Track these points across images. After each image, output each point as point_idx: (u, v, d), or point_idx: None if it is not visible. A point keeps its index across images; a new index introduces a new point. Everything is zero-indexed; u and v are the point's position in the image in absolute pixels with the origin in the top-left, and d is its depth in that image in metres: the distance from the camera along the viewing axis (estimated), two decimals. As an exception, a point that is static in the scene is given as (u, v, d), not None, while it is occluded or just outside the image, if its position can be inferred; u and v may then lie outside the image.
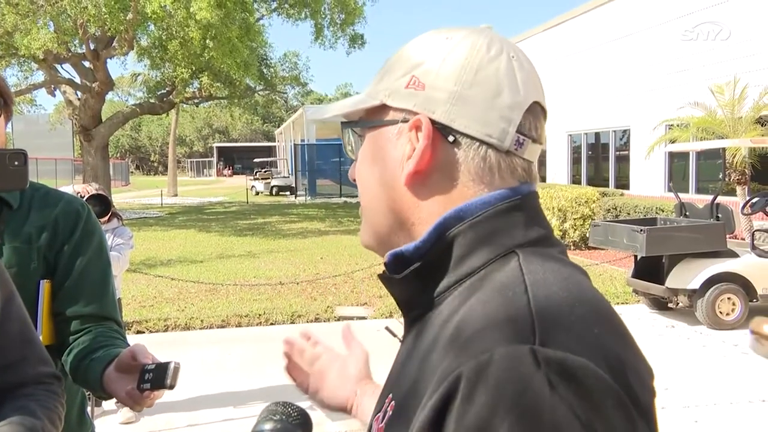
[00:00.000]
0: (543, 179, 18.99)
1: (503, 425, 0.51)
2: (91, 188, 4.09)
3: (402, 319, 0.75)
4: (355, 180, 0.79)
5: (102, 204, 4.13)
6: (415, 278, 0.69)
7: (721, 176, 8.69)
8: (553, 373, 0.52)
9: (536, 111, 0.71)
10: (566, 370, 0.53)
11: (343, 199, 26.42)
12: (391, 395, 0.69)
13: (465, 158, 0.68)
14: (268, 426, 0.82)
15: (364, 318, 7.25)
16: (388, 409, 0.68)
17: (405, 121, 0.70)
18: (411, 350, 0.70)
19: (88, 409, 1.55)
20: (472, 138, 0.68)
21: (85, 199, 3.82)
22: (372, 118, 0.74)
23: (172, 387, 1.19)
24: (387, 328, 0.93)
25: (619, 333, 0.60)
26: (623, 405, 0.54)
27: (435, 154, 0.69)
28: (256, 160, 43.43)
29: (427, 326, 0.67)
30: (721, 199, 7.46)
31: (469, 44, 0.70)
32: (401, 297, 0.73)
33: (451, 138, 0.68)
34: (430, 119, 0.68)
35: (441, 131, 0.68)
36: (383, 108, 0.73)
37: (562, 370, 0.53)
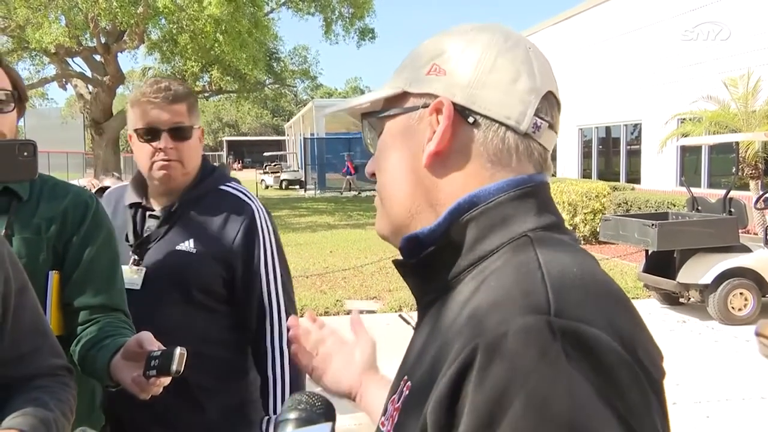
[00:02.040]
0: (553, 173, 18.90)
1: (520, 393, 0.52)
2: (96, 182, 4.08)
3: (414, 311, 0.76)
4: (372, 175, 0.80)
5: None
6: (429, 262, 0.71)
7: (734, 170, 8.62)
8: (569, 343, 0.54)
9: (551, 100, 0.73)
10: (581, 341, 0.54)
11: (353, 192, 26.44)
12: (406, 377, 0.70)
13: (484, 139, 0.70)
14: (293, 415, 0.84)
15: (373, 311, 7.25)
16: (404, 389, 0.69)
17: (425, 106, 0.72)
18: (425, 335, 0.71)
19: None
20: (492, 120, 0.70)
21: (94, 191, 3.84)
22: (394, 105, 0.76)
23: (178, 373, 1.20)
24: (401, 316, 0.94)
25: (630, 313, 0.62)
26: (637, 377, 0.55)
27: (455, 135, 0.71)
28: (265, 153, 43.54)
29: (441, 311, 0.68)
30: (733, 193, 7.40)
31: (488, 35, 0.73)
32: (415, 282, 0.75)
33: (471, 119, 0.70)
34: (451, 102, 0.70)
35: (461, 113, 0.71)
36: (404, 96, 0.74)
37: (578, 340, 0.54)
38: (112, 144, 19.60)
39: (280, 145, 59.67)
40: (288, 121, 57.72)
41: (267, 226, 1.75)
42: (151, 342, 1.25)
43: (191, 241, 1.69)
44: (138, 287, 1.65)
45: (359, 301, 7.70)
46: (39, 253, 1.37)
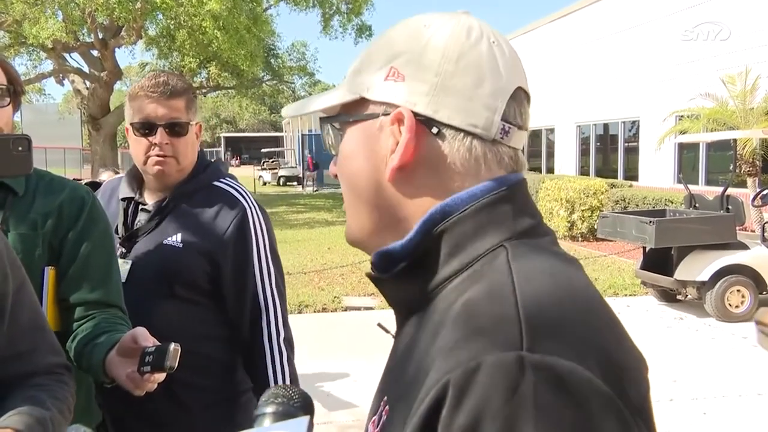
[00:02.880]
0: (551, 170, 18.93)
1: None
2: (105, 174, 4.04)
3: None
4: (336, 176, 0.76)
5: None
6: (403, 277, 0.68)
7: (731, 168, 8.63)
8: (541, 379, 0.52)
9: (520, 96, 0.69)
10: (555, 376, 0.52)
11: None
12: (386, 398, 0.68)
13: (450, 150, 0.66)
14: (270, 409, 0.82)
15: (371, 308, 7.25)
16: (383, 413, 0.67)
17: (386, 114, 0.68)
18: (403, 350, 0.69)
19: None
20: (457, 129, 0.66)
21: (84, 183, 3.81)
22: (351, 112, 0.72)
23: (171, 369, 1.20)
24: (379, 325, 0.93)
25: (609, 328, 0.59)
26: (615, 409, 0.53)
27: (419, 147, 0.67)
28: (263, 150, 43.48)
29: (419, 327, 0.66)
30: (731, 190, 7.41)
31: (448, 31, 0.68)
32: (390, 296, 0.72)
33: (434, 130, 0.66)
34: (413, 112, 0.66)
35: (424, 123, 0.66)
36: (362, 102, 0.70)
37: (551, 376, 0.52)
38: (110, 140, 19.55)
39: (278, 142, 59.63)
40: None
41: (259, 224, 1.74)
42: (145, 338, 1.25)
43: (179, 235, 1.69)
44: (122, 280, 1.64)
45: (357, 297, 7.70)
46: (35, 248, 1.36)
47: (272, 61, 24.70)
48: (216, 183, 1.78)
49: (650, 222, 6.56)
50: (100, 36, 17.98)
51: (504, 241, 0.64)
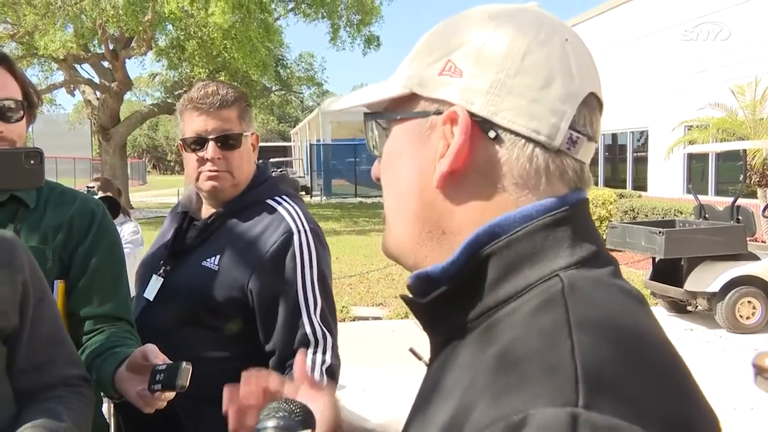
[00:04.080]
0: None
1: None
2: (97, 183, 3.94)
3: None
4: (377, 179, 0.69)
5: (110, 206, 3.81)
6: (442, 303, 0.60)
7: (741, 178, 8.57)
8: None
9: (592, 103, 0.61)
10: None
11: (359, 199, 26.44)
12: None
13: (508, 158, 0.59)
14: (271, 423, 0.82)
15: (379, 318, 7.24)
16: None
17: (438, 113, 0.61)
18: (438, 383, 0.61)
19: (104, 407, 1.55)
20: (517, 134, 0.58)
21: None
22: (399, 108, 0.65)
23: (183, 388, 1.19)
24: (411, 350, 0.86)
25: (680, 383, 0.52)
26: None
27: (473, 152, 0.59)
28: (271, 159, 43.64)
29: (457, 358, 0.59)
30: (741, 201, 7.36)
31: (516, 25, 0.60)
32: (427, 322, 0.64)
33: (492, 134, 0.59)
34: (469, 112, 0.59)
35: (480, 125, 0.59)
36: (413, 97, 0.63)
37: None
38: (120, 150, 19.70)
39: (286, 151, 59.80)
40: (294, 127, 57.87)
41: (308, 249, 1.56)
42: (156, 355, 1.23)
43: (217, 257, 1.57)
44: (150, 298, 1.60)
45: (365, 307, 7.69)
46: (45, 261, 1.36)
47: (281, 71, 24.84)
48: (269, 200, 1.64)
49: (660, 232, 6.52)
50: (111, 47, 18.16)
51: (559, 270, 0.56)
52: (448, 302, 0.60)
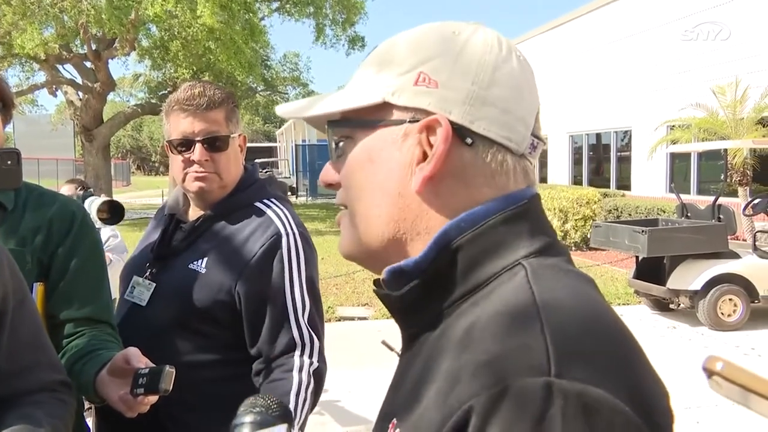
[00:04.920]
0: (544, 180, 18.97)
1: None
2: (65, 188, 3.78)
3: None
4: (328, 185, 0.72)
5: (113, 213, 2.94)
6: (415, 295, 0.64)
7: (722, 177, 8.68)
8: (570, 407, 0.49)
9: (539, 112, 0.69)
10: (584, 405, 0.50)
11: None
12: (395, 420, 0.63)
13: (482, 162, 0.64)
14: (248, 419, 0.82)
15: (365, 318, 7.24)
16: None
17: (414, 121, 0.64)
18: (417, 373, 0.64)
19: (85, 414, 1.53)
20: (491, 141, 0.64)
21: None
22: (368, 116, 0.67)
23: (166, 392, 1.18)
24: (384, 342, 0.89)
25: (636, 356, 0.57)
26: None
27: (450, 157, 0.63)
28: (257, 160, 43.53)
29: (430, 346, 0.63)
30: (722, 200, 7.44)
31: (480, 41, 0.65)
32: (400, 314, 0.68)
33: (468, 140, 0.64)
34: (448, 120, 0.63)
35: (458, 133, 0.63)
36: (385, 106, 0.66)
37: (580, 404, 0.50)
38: (103, 151, 19.51)
39: (271, 152, 59.64)
40: (279, 127, 57.71)
41: (296, 252, 1.56)
42: (138, 359, 1.22)
43: (205, 260, 1.56)
44: (143, 304, 1.58)
45: (351, 308, 7.68)
46: (24, 264, 1.34)
47: (265, 71, 24.76)
48: (257, 203, 1.63)
49: (643, 231, 6.58)
50: (93, 47, 17.97)
51: (521, 259, 0.61)
52: (420, 294, 0.64)
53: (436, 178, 0.64)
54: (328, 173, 0.72)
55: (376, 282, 0.71)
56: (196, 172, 1.56)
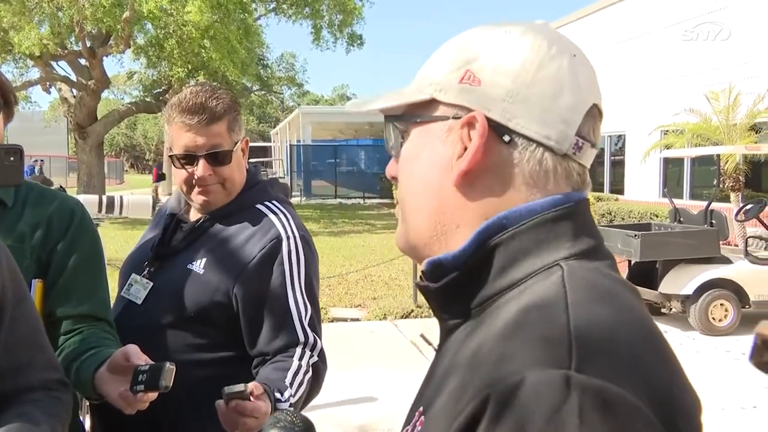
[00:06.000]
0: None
1: None
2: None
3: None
4: (393, 178, 0.74)
5: None
6: (453, 288, 0.66)
7: (715, 183, 8.73)
8: (587, 402, 0.49)
9: (594, 113, 0.68)
10: (602, 401, 0.49)
11: (339, 200, 26.39)
12: (421, 408, 0.65)
13: (520, 160, 0.65)
14: None
15: (357, 320, 7.24)
16: (417, 423, 0.65)
17: (457, 117, 0.67)
18: (446, 364, 0.66)
19: (80, 412, 1.53)
20: (529, 139, 0.65)
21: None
22: (419, 112, 0.70)
23: (166, 388, 1.18)
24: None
25: (665, 360, 0.57)
26: None
27: (488, 153, 0.65)
28: (251, 160, 43.31)
29: (465, 341, 0.64)
30: (715, 205, 7.49)
31: (529, 40, 0.66)
32: (438, 306, 0.70)
33: (506, 138, 0.65)
34: (486, 117, 0.65)
35: (496, 130, 0.65)
36: (432, 103, 0.69)
37: (598, 400, 0.49)
38: (97, 148, 19.44)
39: (266, 152, 59.55)
40: (274, 127, 57.63)
41: (296, 255, 1.56)
42: (138, 356, 1.22)
43: (203, 261, 1.56)
44: (139, 302, 1.58)
45: (344, 309, 7.69)
46: (22, 261, 1.34)
47: (261, 71, 24.72)
48: (258, 205, 1.62)
49: (635, 236, 6.61)
50: (88, 44, 17.92)
51: (561, 260, 0.62)
52: (458, 287, 0.66)
53: (474, 174, 0.66)
54: (391, 167, 0.75)
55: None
56: (200, 186, 1.56)
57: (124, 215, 2.67)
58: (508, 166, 0.65)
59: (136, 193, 3.68)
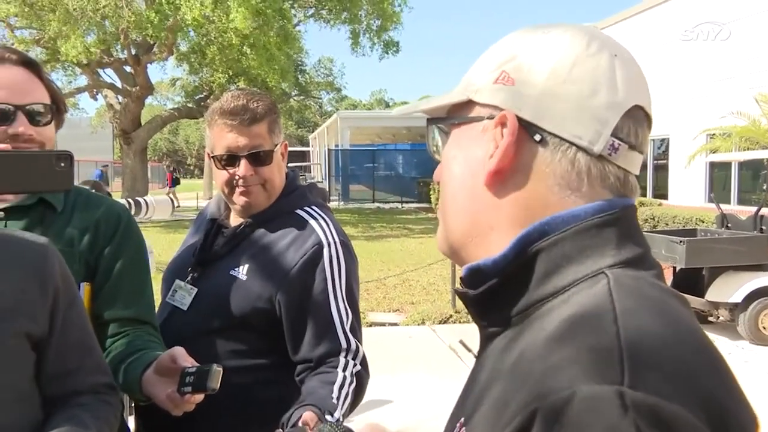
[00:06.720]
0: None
1: None
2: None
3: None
4: (438, 182, 0.74)
5: None
6: (492, 295, 0.64)
7: (765, 187, 8.46)
8: (643, 420, 0.46)
9: (638, 116, 0.65)
10: (658, 419, 0.47)
11: (376, 204, 26.43)
12: (462, 419, 0.63)
13: (551, 160, 0.63)
14: None
15: (396, 324, 7.23)
16: None
17: (491, 117, 0.66)
18: (487, 373, 0.64)
19: (125, 413, 1.56)
20: (561, 138, 0.63)
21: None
22: (458, 114, 0.70)
23: (213, 390, 1.19)
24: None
25: (719, 374, 0.54)
26: None
27: (519, 153, 0.64)
28: (290, 164, 43.74)
29: (507, 349, 0.61)
30: (764, 210, 7.25)
31: (567, 38, 0.65)
32: (477, 313, 0.68)
33: (537, 137, 0.63)
34: (517, 116, 0.64)
35: (527, 129, 0.64)
36: (469, 104, 0.69)
37: (654, 418, 0.47)
38: (140, 153, 19.92)
39: (304, 156, 60.09)
40: (312, 132, 58.14)
41: (337, 262, 1.56)
42: (184, 358, 1.24)
43: (245, 267, 1.57)
44: (185, 308, 1.60)
45: (382, 313, 7.68)
46: (71, 264, 1.36)
47: (299, 76, 24.97)
48: (298, 211, 1.63)
49: (681, 241, 6.44)
50: (133, 52, 18.39)
51: (606, 269, 0.59)
52: (498, 294, 0.64)
53: (505, 173, 0.65)
54: (437, 171, 0.74)
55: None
56: (242, 186, 1.58)
57: (149, 216, 2.75)
58: (539, 165, 0.63)
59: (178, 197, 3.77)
